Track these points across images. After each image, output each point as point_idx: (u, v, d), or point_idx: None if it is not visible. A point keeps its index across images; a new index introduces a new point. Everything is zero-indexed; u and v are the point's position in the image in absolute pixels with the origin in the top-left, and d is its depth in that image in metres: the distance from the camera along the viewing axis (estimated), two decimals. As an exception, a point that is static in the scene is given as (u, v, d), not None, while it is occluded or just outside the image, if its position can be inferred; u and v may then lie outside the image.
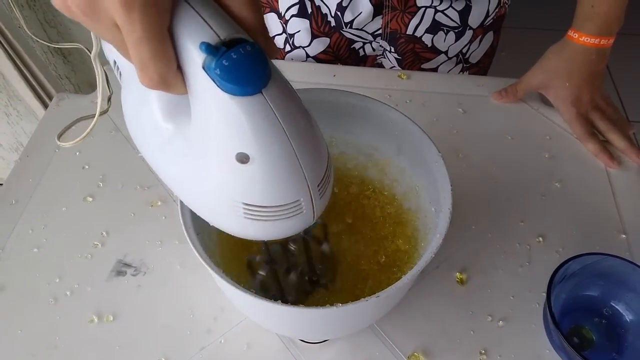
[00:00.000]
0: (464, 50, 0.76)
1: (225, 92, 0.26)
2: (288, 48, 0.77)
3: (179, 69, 0.27)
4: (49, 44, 0.46)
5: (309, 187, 0.30)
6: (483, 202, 0.60)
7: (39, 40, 0.43)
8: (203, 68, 0.26)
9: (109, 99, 0.39)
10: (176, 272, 0.54)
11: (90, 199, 0.60)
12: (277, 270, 0.45)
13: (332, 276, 0.49)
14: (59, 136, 0.40)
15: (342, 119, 0.51)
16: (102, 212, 0.59)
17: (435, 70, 0.78)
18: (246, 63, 0.25)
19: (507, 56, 2.00)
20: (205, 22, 0.26)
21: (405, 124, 0.47)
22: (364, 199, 0.54)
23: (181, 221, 0.40)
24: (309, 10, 0.72)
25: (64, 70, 1.22)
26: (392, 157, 0.51)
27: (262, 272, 0.44)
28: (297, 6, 0.71)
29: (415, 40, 0.73)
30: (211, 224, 0.33)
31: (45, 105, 1.13)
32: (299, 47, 0.76)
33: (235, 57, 0.25)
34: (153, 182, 0.61)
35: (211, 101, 0.26)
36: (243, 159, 0.27)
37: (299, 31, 0.74)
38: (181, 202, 0.41)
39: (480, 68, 0.81)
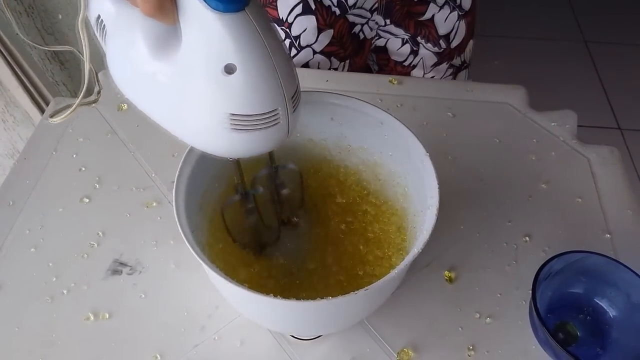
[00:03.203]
0: None
1: (215, 9, 0.30)
2: (294, 52, 0.79)
3: None
4: (41, 47, 0.48)
5: (284, 97, 0.34)
6: (471, 203, 0.61)
7: (34, 45, 0.44)
8: None
9: (99, 92, 0.41)
10: (171, 271, 0.55)
11: (87, 200, 0.61)
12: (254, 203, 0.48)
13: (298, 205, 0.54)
14: (51, 116, 0.42)
15: (335, 121, 0.52)
16: (99, 213, 0.60)
17: (431, 20, 0.78)
18: None
19: (500, 64, 2.03)
20: None
21: (395, 126, 0.49)
22: (356, 200, 0.56)
23: (176, 218, 0.41)
24: (313, 7, 0.74)
25: (60, 76, 1.24)
26: (383, 159, 0.53)
27: (249, 205, 0.47)
28: (301, 5, 0.73)
29: (409, 3, 0.75)
30: (203, 149, 0.37)
31: (42, 111, 1.14)
32: (305, 47, 0.78)
33: None
34: (148, 183, 0.62)
35: (201, 21, 0.31)
36: (229, 70, 0.32)
37: (305, 30, 0.76)
38: (176, 201, 0.43)
39: (472, 17, 0.81)
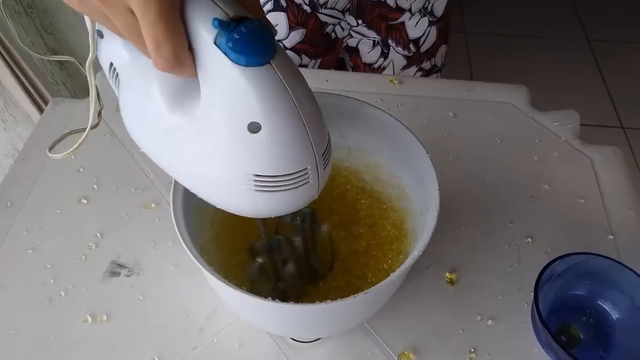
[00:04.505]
0: (426, 5, 0.77)
1: (237, 63, 0.27)
2: None
3: (190, 49, 0.28)
4: (42, 56, 0.47)
5: (315, 154, 0.31)
6: (473, 204, 0.61)
7: (33, 52, 0.43)
8: (215, 44, 0.27)
9: (99, 114, 0.40)
10: (169, 273, 0.55)
11: (85, 201, 0.60)
12: (276, 259, 0.46)
13: (329, 265, 0.50)
14: (50, 148, 0.41)
15: (335, 122, 0.51)
16: (97, 214, 0.59)
17: (402, 25, 0.79)
18: (255, 36, 0.28)
19: (502, 63, 2.02)
20: (214, 2, 0.28)
21: (395, 127, 0.48)
22: (356, 202, 0.55)
23: (173, 221, 0.41)
24: (284, 4, 0.74)
25: (60, 76, 1.23)
26: (383, 160, 0.52)
27: (260, 259, 0.45)
28: (272, 1, 0.74)
29: (380, 4, 0.75)
30: (221, 207, 0.34)
31: (42, 111, 1.14)
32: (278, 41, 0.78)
33: (245, 30, 0.27)
34: (147, 184, 0.62)
35: (222, 75, 0.28)
36: (254, 128, 0.29)
37: (276, 25, 0.76)
38: (173, 202, 0.42)
39: (445, 23, 0.82)
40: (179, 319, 0.51)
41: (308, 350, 0.50)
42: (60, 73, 1.23)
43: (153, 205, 0.60)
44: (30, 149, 0.66)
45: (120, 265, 0.55)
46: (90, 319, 0.51)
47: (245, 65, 0.27)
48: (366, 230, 0.53)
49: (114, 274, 0.55)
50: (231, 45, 0.27)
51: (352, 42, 0.83)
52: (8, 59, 0.97)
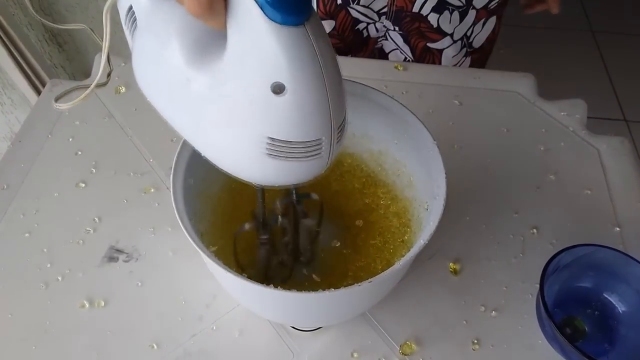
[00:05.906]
0: (468, 33, 0.76)
1: (272, 20, 0.26)
2: None
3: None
4: (53, 25, 0.46)
5: (332, 126, 0.30)
6: (478, 194, 0.60)
7: (43, 21, 0.42)
8: None
9: (109, 74, 0.39)
10: (168, 258, 0.54)
11: (83, 185, 0.59)
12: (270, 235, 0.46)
13: (311, 255, 0.50)
14: (57, 99, 0.39)
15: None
16: (95, 198, 0.58)
17: (440, 51, 0.77)
18: None
19: (505, 53, 2.00)
20: None
21: (402, 113, 0.47)
22: (359, 189, 0.54)
23: (173, 205, 0.40)
24: None
25: (58, 59, 1.22)
26: (388, 147, 0.51)
27: (264, 236, 0.44)
28: None
29: (421, 19, 0.73)
30: (228, 171, 0.33)
31: (40, 94, 1.12)
32: None
33: None
34: (146, 169, 0.61)
35: (254, 30, 0.27)
36: (277, 89, 0.28)
37: None
38: (173, 187, 0.41)
39: (481, 55, 0.80)
40: (178, 306, 0.51)
41: (309, 339, 0.49)
42: (58, 56, 1.21)
43: (152, 190, 0.59)
44: (27, 130, 0.64)
45: (119, 251, 0.54)
46: (87, 305, 0.50)
47: (280, 23, 0.27)
48: (369, 219, 0.52)
49: (112, 259, 0.54)
50: (270, 1, 0.26)
51: (387, 46, 0.81)
52: (6, 40, 0.96)
